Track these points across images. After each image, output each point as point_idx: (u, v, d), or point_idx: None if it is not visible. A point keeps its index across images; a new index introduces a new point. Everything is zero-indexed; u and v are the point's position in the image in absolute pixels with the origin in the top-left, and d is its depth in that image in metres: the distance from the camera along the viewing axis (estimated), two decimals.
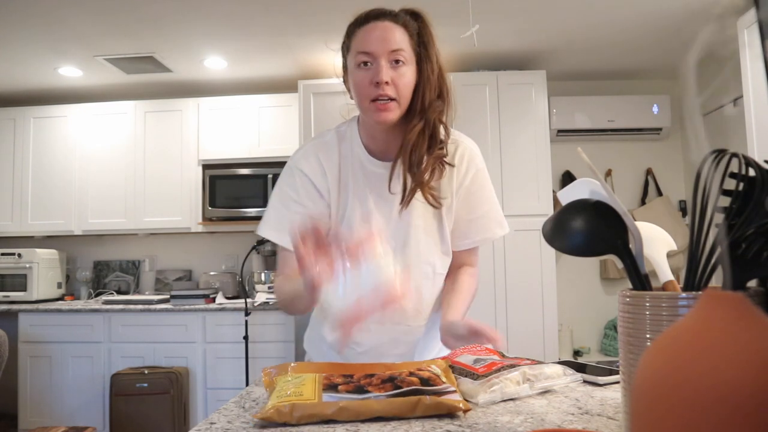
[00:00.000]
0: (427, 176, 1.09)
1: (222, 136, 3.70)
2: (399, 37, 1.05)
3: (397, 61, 1.04)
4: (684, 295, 0.55)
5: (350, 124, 1.19)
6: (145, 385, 3.12)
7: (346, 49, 1.11)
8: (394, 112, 1.05)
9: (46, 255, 3.67)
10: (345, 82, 1.14)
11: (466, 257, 1.23)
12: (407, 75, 1.05)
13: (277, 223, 1.14)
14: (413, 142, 1.07)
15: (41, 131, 3.80)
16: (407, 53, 1.05)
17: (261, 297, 3.39)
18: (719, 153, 0.55)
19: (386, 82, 1.02)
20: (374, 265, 0.78)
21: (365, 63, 1.04)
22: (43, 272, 3.61)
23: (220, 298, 3.54)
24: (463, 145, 1.18)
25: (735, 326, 0.36)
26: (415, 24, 1.09)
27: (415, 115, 1.07)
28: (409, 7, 1.11)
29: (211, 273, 3.79)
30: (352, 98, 1.11)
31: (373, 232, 0.84)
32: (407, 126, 1.08)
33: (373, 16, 1.07)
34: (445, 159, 1.12)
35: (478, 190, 1.18)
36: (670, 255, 0.68)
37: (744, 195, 0.53)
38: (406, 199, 1.10)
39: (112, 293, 3.86)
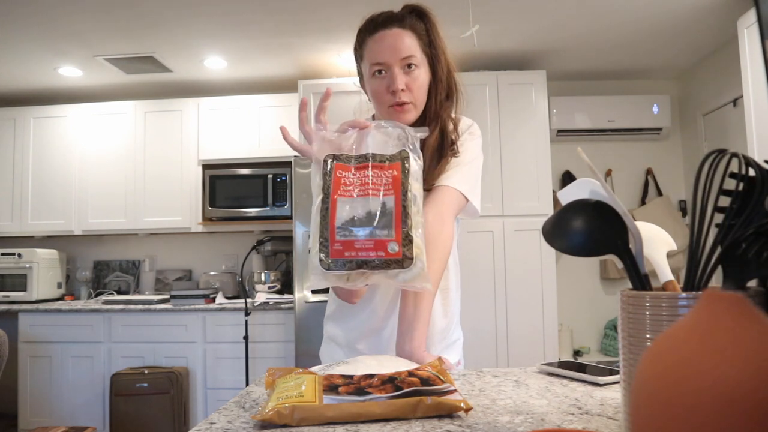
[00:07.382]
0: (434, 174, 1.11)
1: (222, 136, 3.70)
2: (409, 43, 1.08)
3: (409, 66, 1.08)
4: (684, 295, 0.55)
5: None
6: (145, 385, 3.12)
7: (359, 57, 1.15)
8: (411, 114, 1.10)
9: (46, 255, 3.67)
10: (362, 86, 1.18)
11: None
12: (420, 77, 1.09)
13: None
14: (433, 148, 1.10)
15: (41, 131, 3.80)
16: (418, 57, 1.09)
17: (261, 297, 3.38)
18: (719, 153, 0.55)
19: (402, 90, 1.06)
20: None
21: (379, 72, 1.08)
22: (43, 272, 3.61)
23: (220, 298, 3.54)
24: (462, 119, 1.20)
25: (735, 326, 0.36)
26: (422, 24, 1.11)
27: (431, 120, 1.12)
28: (412, 4, 1.13)
29: (211, 273, 3.79)
30: (370, 100, 1.16)
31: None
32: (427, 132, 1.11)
33: (381, 24, 1.09)
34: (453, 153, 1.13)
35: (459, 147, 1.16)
36: (670, 255, 0.68)
37: (744, 195, 0.53)
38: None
39: (112, 293, 3.86)
